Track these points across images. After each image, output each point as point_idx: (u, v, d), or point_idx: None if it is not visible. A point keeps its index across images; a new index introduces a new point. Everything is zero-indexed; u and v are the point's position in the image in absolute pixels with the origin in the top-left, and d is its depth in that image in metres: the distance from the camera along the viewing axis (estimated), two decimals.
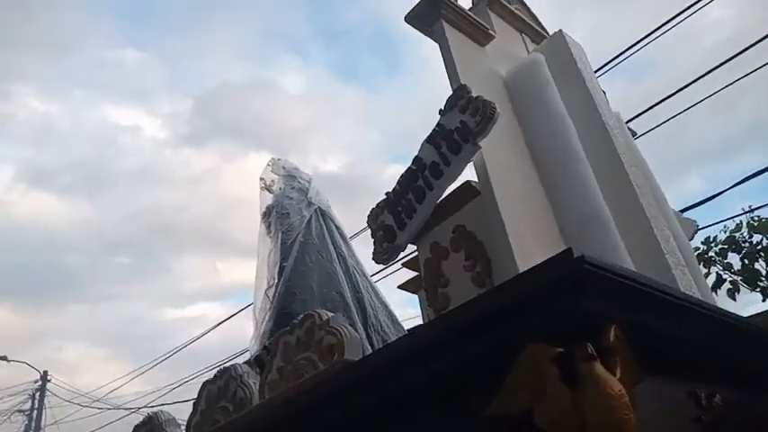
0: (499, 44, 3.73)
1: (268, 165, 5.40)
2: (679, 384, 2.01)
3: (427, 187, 2.92)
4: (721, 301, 6.32)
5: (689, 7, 6.32)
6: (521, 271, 2.22)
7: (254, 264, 4.89)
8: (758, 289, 6.53)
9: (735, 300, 6.58)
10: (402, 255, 3.22)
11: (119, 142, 39.13)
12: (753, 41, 5.85)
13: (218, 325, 14.02)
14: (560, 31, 3.84)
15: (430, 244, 2.96)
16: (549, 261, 1.67)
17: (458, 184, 2.92)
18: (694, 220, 4.50)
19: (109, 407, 18.55)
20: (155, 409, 4.10)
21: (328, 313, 2.84)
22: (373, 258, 3.13)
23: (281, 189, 5.10)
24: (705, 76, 6.22)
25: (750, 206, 6.89)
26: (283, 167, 5.31)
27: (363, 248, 4.29)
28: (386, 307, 4.44)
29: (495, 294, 1.92)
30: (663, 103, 6.63)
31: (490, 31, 3.66)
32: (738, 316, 2.43)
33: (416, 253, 3.15)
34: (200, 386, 3.42)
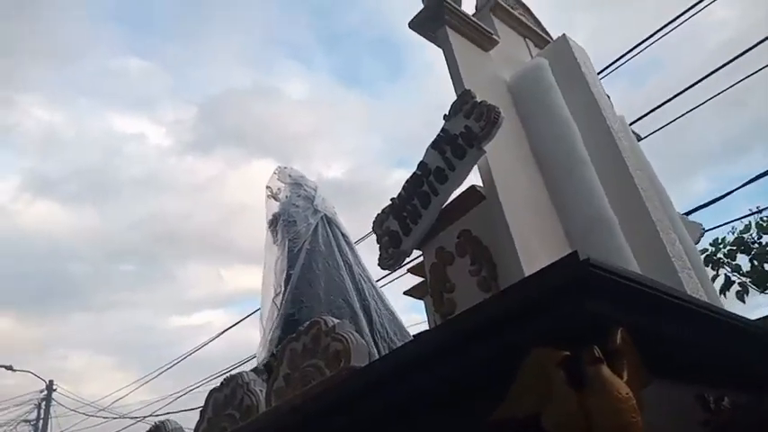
0: (503, 49, 3.74)
1: (274, 173, 5.42)
2: (687, 388, 2.00)
3: (432, 192, 2.92)
4: (730, 303, 6.26)
5: (691, 7, 6.31)
6: (526, 275, 2.22)
7: (260, 271, 4.90)
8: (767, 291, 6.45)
9: (744, 302, 6.48)
10: (407, 260, 3.22)
11: (123, 150, 39.37)
12: (756, 41, 5.82)
13: (223, 332, 13.99)
14: (564, 35, 3.84)
15: (435, 249, 2.96)
16: (554, 264, 1.67)
17: (463, 189, 2.93)
18: (700, 224, 4.48)
19: (114, 416, 18.54)
20: (161, 418, 4.10)
21: (334, 320, 2.84)
22: (379, 264, 3.13)
23: (287, 197, 5.12)
24: (708, 77, 6.19)
25: (758, 207, 6.81)
26: (289, 175, 5.33)
27: (368, 254, 4.30)
28: (392, 313, 4.43)
29: (501, 299, 1.92)
30: (667, 105, 6.60)
31: (494, 37, 3.67)
32: (746, 319, 2.41)
33: (422, 258, 3.15)
34: (206, 394, 3.43)
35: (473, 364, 1.83)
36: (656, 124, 6.73)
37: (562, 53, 3.72)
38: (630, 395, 1.51)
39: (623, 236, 2.83)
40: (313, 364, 2.75)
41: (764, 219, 6.70)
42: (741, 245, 6.68)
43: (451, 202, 2.94)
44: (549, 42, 4.14)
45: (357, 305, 4.20)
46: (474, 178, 2.91)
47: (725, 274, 6.64)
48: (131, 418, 17.59)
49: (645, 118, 6.54)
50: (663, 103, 6.51)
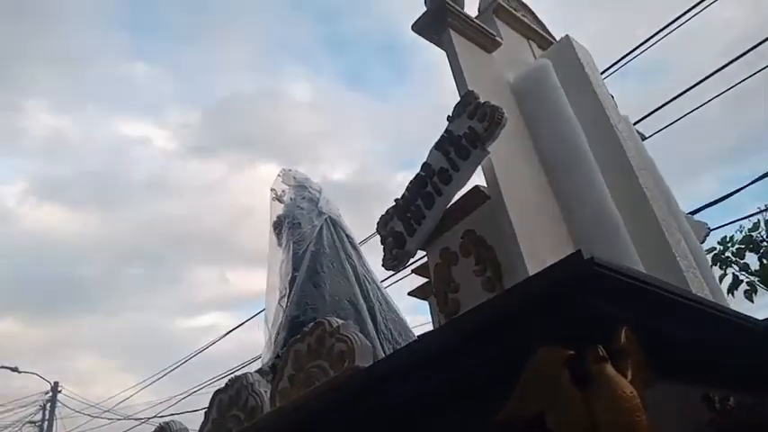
0: (506, 51, 3.74)
1: (279, 175, 5.44)
2: (692, 387, 2.00)
3: (436, 193, 2.92)
4: (738, 302, 6.21)
5: (695, 5, 6.29)
6: (531, 274, 2.21)
7: (265, 273, 4.92)
8: None
9: (752, 301, 6.35)
10: (412, 261, 3.22)
11: (130, 154, 39.47)
12: (760, 40, 5.79)
13: (228, 333, 14.00)
14: (567, 36, 3.85)
15: (439, 250, 2.96)
16: (558, 263, 1.67)
17: (467, 190, 2.92)
18: (705, 223, 4.46)
19: (119, 417, 18.59)
20: (166, 419, 4.11)
21: (338, 320, 2.85)
22: (383, 265, 3.13)
23: (291, 199, 5.13)
24: (710, 77, 6.17)
25: (766, 205, 6.74)
26: (294, 178, 5.35)
27: (373, 255, 4.30)
28: (397, 314, 4.44)
29: (505, 298, 1.92)
30: (673, 105, 6.58)
31: (497, 38, 3.67)
32: (753, 318, 2.40)
33: (426, 259, 3.15)
34: (210, 395, 3.43)
35: (477, 364, 1.84)
36: (661, 124, 6.71)
37: (565, 54, 3.72)
38: (635, 394, 1.51)
39: (628, 235, 2.82)
40: (317, 365, 2.75)
41: None
42: (750, 243, 6.58)
43: (455, 202, 2.94)
44: (553, 43, 4.14)
45: (362, 306, 4.21)
46: (478, 179, 2.92)
47: (733, 273, 6.54)
48: (136, 419, 17.65)
49: (651, 117, 6.53)
50: (666, 103, 6.49)
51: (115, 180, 37.52)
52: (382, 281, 5.15)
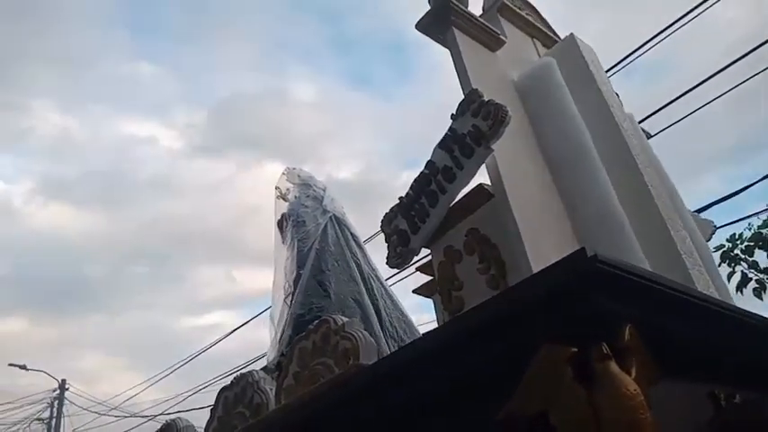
0: (510, 49, 3.74)
1: (283, 174, 5.44)
2: (697, 385, 1.99)
3: (440, 191, 2.93)
4: (747, 300, 6.16)
5: (700, 4, 6.26)
6: (535, 272, 2.21)
7: (270, 272, 4.93)
8: None
9: (761, 299, 6.27)
10: (416, 259, 3.22)
11: (136, 154, 39.74)
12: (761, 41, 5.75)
13: (234, 331, 14.04)
14: (571, 34, 3.84)
15: (444, 247, 2.96)
16: (562, 261, 1.67)
17: (471, 188, 2.92)
18: (711, 221, 4.44)
19: (126, 415, 18.72)
20: (172, 417, 4.13)
21: (343, 318, 2.86)
22: (387, 263, 3.14)
23: (296, 197, 5.14)
24: (714, 76, 6.14)
25: None
26: (298, 176, 5.35)
27: (378, 254, 4.31)
28: (401, 312, 4.44)
29: (509, 296, 1.92)
30: (678, 104, 6.55)
31: (501, 37, 3.67)
32: (759, 316, 2.38)
33: (430, 257, 3.15)
34: (216, 393, 3.45)
35: (481, 362, 1.84)
36: (667, 122, 6.68)
37: (570, 52, 3.72)
38: (639, 392, 1.51)
39: (633, 233, 2.82)
40: (322, 363, 2.76)
41: None
42: (759, 240, 6.53)
43: (459, 200, 2.94)
44: (557, 42, 4.13)
45: (367, 304, 4.21)
46: (482, 177, 2.92)
47: (741, 271, 6.50)
48: (142, 416, 17.75)
49: (658, 115, 6.49)
50: (672, 101, 6.46)
51: (121, 179, 37.73)
52: (387, 279, 5.15)
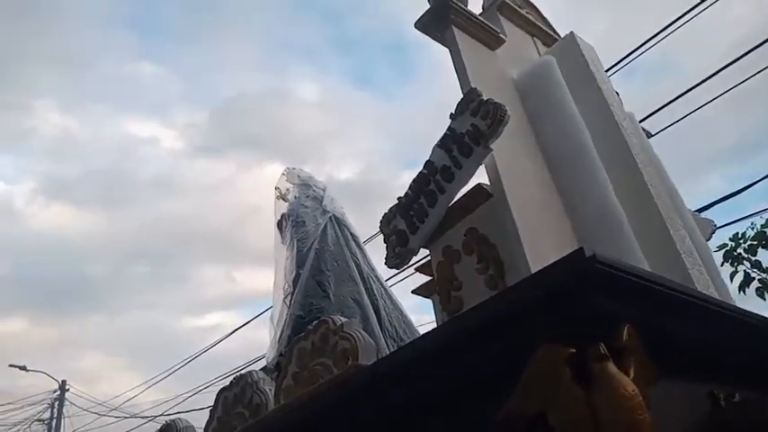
0: (510, 48, 3.73)
1: (283, 174, 5.44)
2: (697, 385, 1.98)
3: (439, 191, 2.92)
4: (750, 300, 6.14)
5: (699, 3, 6.25)
6: (533, 272, 2.21)
7: (271, 272, 4.93)
8: None
9: (764, 299, 6.22)
10: (415, 259, 3.22)
11: (137, 154, 39.76)
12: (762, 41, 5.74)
13: (234, 332, 14.06)
14: (572, 33, 3.83)
15: (442, 247, 2.95)
16: (560, 261, 1.66)
17: (469, 188, 2.92)
18: (711, 220, 4.43)
19: (126, 415, 18.75)
20: (172, 417, 4.13)
21: (342, 318, 2.85)
22: (386, 263, 3.13)
23: (296, 198, 5.14)
24: (715, 75, 6.13)
25: None
26: (298, 176, 5.35)
27: (377, 254, 4.30)
28: (401, 312, 4.44)
29: (507, 296, 1.92)
30: (679, 103, 6.54)
31: (501, 35, 3.66)
32: (760, 316, 2.38)
33: (429, 257, 3.15)
34: (216, 394, 3.44)
35: (480, 362, 1.83)
36: (668, 121, 6.67)
37: (570, 51, 3.70)
38: (637, 392, 1.50)
39: (632, 232, 2.81)
40: (321, 363, 2.76)
41: None
42: (762, 240, 6.49)
43: (458, 200, 2.93)
44: (557, 40, 4.12)
45: (366, 304, 4.21)
46: (481, 176, 2.91)
47: (744, 271, 6.48)
48: (143, 417, 17.78)
49: (659, 114, 6.48)
50: (672, 100, 6.45)
51: (122, 179, 37.75)
52: (387, 279, 5.15)
